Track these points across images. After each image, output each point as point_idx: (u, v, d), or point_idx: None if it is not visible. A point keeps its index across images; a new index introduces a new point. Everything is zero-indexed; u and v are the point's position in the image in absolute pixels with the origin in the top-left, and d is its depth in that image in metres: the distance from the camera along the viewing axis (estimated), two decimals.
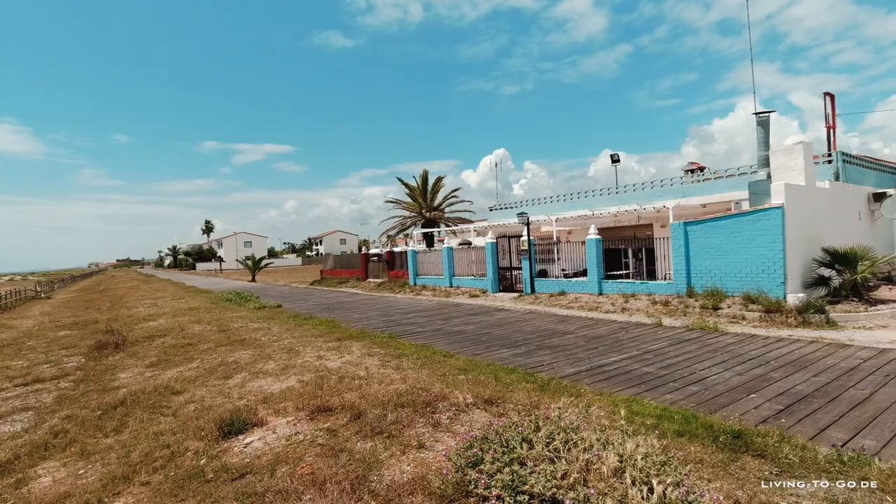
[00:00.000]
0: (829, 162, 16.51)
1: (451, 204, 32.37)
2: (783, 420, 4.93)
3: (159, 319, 16.17)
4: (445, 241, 27.59)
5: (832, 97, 18.06)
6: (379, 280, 29.24)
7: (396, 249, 29.74)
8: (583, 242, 17.78)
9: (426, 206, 31.14)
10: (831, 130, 18.08)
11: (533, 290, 18.71)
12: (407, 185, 32.15)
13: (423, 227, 29.95)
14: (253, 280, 39.75)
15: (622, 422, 4.46)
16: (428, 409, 5.37)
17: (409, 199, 31.83)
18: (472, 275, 22.32)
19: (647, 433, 4.01)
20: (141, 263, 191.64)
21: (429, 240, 28.07)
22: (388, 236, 33.46)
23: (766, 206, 12.33)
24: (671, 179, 20.12)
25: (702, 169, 20.91)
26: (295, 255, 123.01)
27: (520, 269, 19.64)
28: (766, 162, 13.91)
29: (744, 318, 11.52)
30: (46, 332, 15.51)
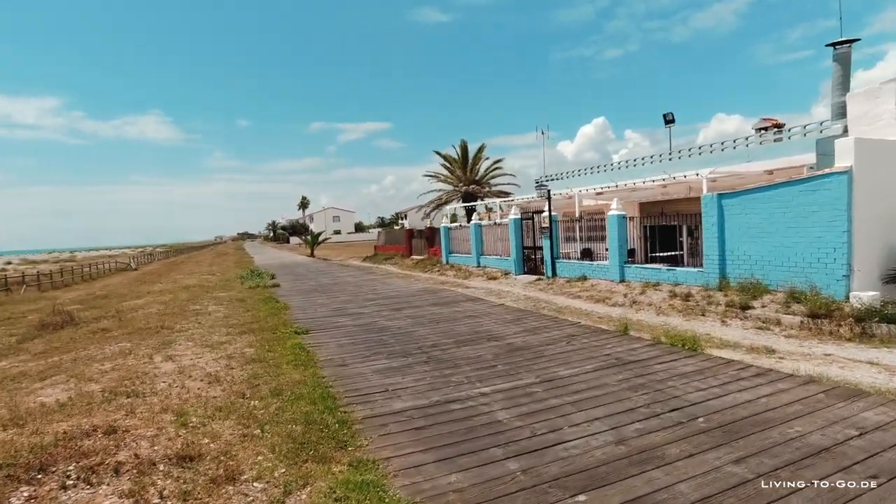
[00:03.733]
0: None
1: (495, 177, 29.86)
2: None
3: (146, 297, 16.35)
4: (501, 216, 25.30)
5: None
6: (419, 257, 27.95)
7: (441, 225, 28.18)
8: (630, 218, 15.00)
9: (466, 178, 28.90)
10: None
11: (554, 273, 16.25)
12: (445, 157, 30.11)
13: (463, 201, 27.95)
14: (311, 255, 40.52)
15: None
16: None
17: (447, 172, 29.84)
18: (499, 254, 20.17)
19: None
20: (253, 237, 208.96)
21: (470, 215, 26.12)
22: (400, 215, 31.96)
23: (826, 171, 8.97)
24: (734, 142, 16.22)
25: (779, 126, 16.68)
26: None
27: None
28: (842, 111, 10.26)
29: (777, 324, 8.51)
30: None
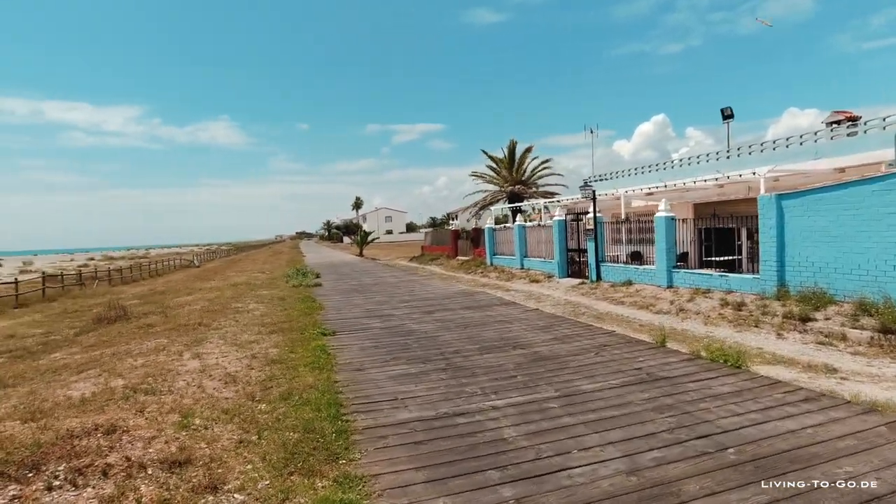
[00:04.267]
0: None
1: (541, 177, 29.00)
2: None
3: (196, 294, 16.98)
4: (546, 217, 24.59)
5: None
6: (464, 258, 27.69)
7: (486, 226, 27.82)
8: (683, 220, 14.11)
9: (512, 179, 28.22)
10: None
11: (599, 277, 15.52)
12: (491, 157, 29.52)
13: (508, 202, 27.35)
14: (360, 254, 41.18)
15: None
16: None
17: (492, 173, 29.24)
18: (542, 256, 19.55)
19: None
20: (310, 236, 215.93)
21: (515, 216, 25.58)
22: (451, 216, 31.54)
23: None
24: (801, 137, 14.82)
25: (854, 120, 15.06)
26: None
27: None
28: None
29: (843, 339, 7.59)
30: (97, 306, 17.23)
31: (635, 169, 21.65)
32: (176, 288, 21.64)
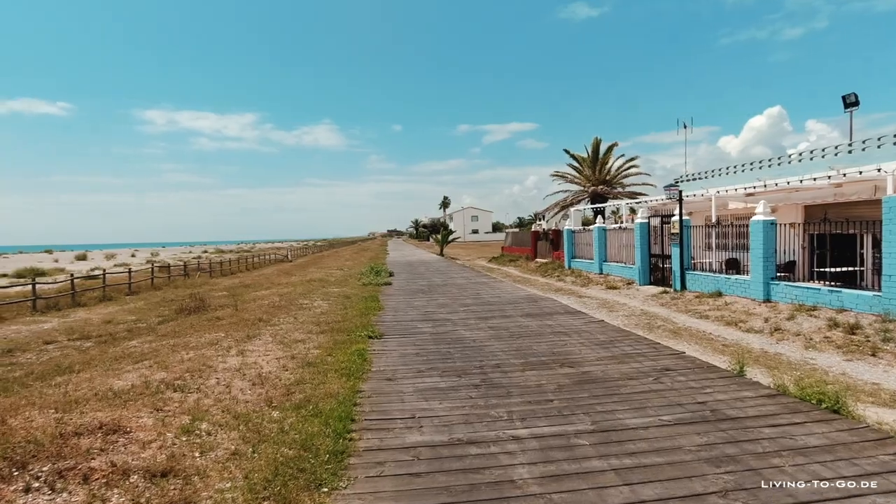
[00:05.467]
0: None
1: (626, 176, 26.82)
2: None
3: (274, 289, 17.62)
4: (628, 219, 22.85)
5: None
6: (543, 260, 26.60)
7: (564, 228, 26.55)
8: (790, 225, 12.32)
9: (595, 178, 26.41)
10: None
11: (683, 286, 13.98)
12: (574, 156, 27.80)
13: (591, 202, 25.70)
14: (440, 253, 41.24)
15: None
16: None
17: (574, 172, 27.54)
18: (623, 261, 18.10)
19: None
20: (400, 234, 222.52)
21: (597, 217, 24.06)
22: (538, 216, 30.07)
23: None
24: None
25: None
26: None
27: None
28: None
29: None
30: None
31: (734, 167, 19.33)
32: (260, 282, 22.86)
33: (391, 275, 21.91)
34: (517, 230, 45.94)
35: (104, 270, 24.11)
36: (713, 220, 14.33)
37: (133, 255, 67.83)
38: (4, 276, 33.02)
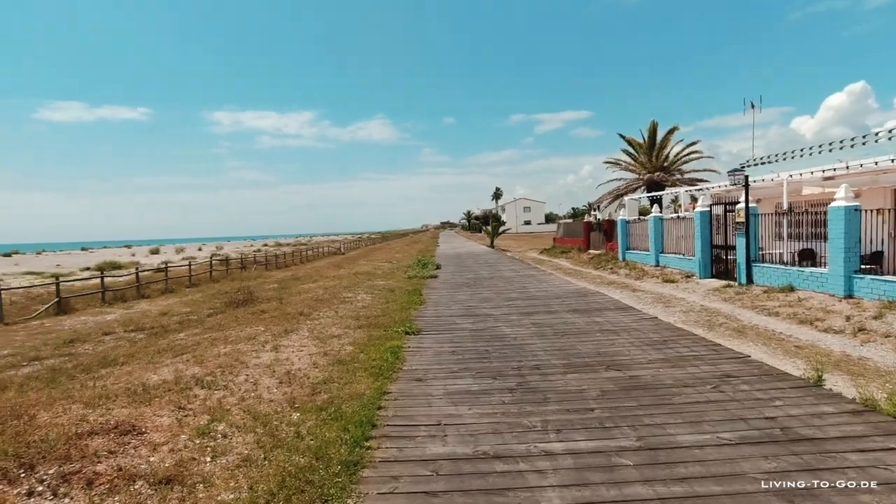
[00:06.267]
0: None
1: (686, 162, 25.00)
2: None
3: (321, 282, 17.74)
4: (687, 208, 21.37)
5: None
6: (596, 252, 25.51)
7: (618, 218, 25.32)
8: (878, 211, 10.99)
9: (651, 165, 24.79)
10: None
11: (749, 280, 12.80)
12: (629, 141, 26.19)
13: (647, 190, 24.22)
14: (491, 245, 40.60)
15: None
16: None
17: (628, 159, 25.97)
18: (681, 253, 16.91)
19: None
20: (453, 225, 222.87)
21: (654, 206, 22.71)
22: (592, 206, 28.66)
23: None
24: None
25: None
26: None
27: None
28: None
29: None
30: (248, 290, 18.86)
31: (809, 149, 17.58)
32: (310, 275, 23.21)
33: (438, 267, 21.64)
34: (570, 221, 44.52)
35: (166, 264, 25.30)
36: (784, 206, 13.00)
37: (200, 249, 71.65)
38: (87, 269, 35.62)
